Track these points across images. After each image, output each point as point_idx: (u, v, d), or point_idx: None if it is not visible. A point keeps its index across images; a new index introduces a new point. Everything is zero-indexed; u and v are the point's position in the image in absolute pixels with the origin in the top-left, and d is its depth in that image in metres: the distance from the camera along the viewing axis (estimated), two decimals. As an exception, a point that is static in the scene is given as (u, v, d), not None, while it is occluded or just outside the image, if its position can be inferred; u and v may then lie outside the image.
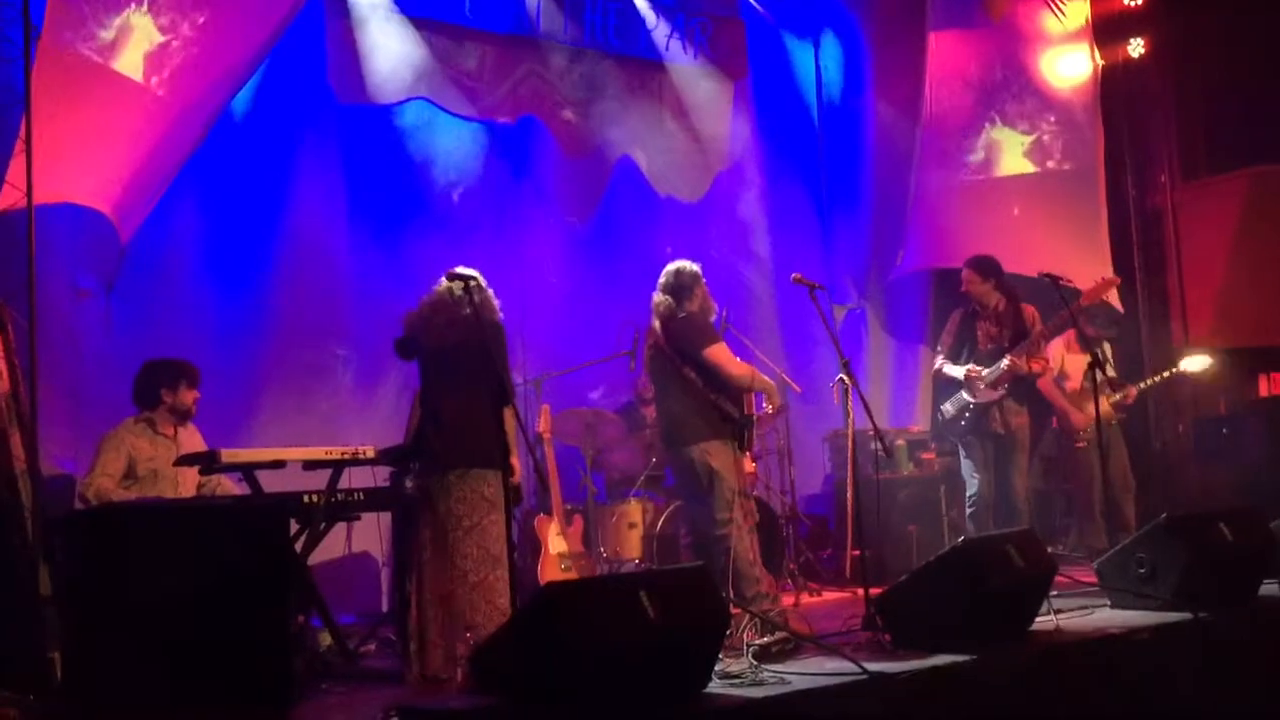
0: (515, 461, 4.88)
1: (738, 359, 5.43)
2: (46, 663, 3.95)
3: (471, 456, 4.62)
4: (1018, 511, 6.70)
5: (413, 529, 4.75)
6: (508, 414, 4.51)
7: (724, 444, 5.33)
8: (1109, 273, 8.38)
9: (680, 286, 5.49)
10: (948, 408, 6.93)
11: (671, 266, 5.57)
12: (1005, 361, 6.65)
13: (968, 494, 6.89)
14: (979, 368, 6.73)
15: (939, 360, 6.99)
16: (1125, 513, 7.38)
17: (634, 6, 8.45)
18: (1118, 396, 7.49)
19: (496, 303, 4.90)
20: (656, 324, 5.52)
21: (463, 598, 4.53)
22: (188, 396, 5.50)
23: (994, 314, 6.82)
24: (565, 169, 8.24)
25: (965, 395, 6.80)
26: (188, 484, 5.46)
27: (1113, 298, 8.40)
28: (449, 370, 4.74)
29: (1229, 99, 9.47)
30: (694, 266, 5.57)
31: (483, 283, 4.84)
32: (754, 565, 5.25)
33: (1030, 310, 6.86)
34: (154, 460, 5.36)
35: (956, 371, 6.80)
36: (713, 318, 5.64)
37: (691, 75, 8.79)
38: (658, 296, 5.54)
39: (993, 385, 6.71)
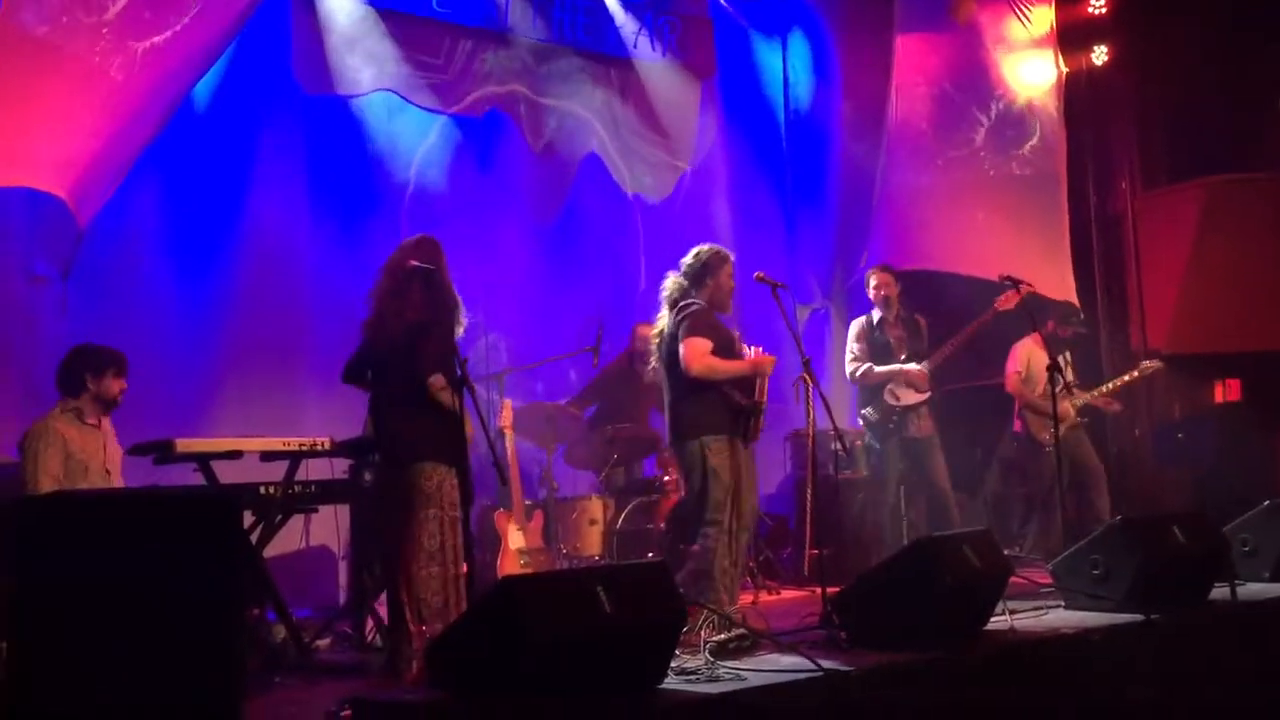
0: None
1: (709, 356, 5.20)
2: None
3: (408, 449, 4.55)
4: (949, 509, 6.93)
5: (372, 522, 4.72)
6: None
7: (723, 439, 5.20)
8: (1069, 277, 8.51)
9: (697, 271, 5.34)
10: (869, 412, 7.11)
11: (696, 249, 5.43)
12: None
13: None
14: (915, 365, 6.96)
15: (860, 367, 7.09)
16: (1098, 506, 7.40)
17: (602, 4, 8.43)
18: (1104, 388, 7.59)
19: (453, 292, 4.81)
20: (665, 309, 5.41)
21: (400, 592, 4.49)
22: (114, 385, 5.16)
23: (898, 319, 7.11)
24: (531, 164, 8.22)
25: (889, 400, 6.99)
26: (119, 476, 5.23)
27: (1074, 298, 8.48)
28: (389, 362, 4.66)
29: (1189, 109, 9.60)
30: (719, 250, 5.41)
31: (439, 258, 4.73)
32: (724, 574, 5.16)
33: (920, 318, 7.22)
34: (84, 451, 5.08)
35: (900, 368, 6.97)
36: (726, 310, 5.45)
37: (659, 73, 8.79)
38: (671, 279, 5.42)
39: (921, 386, 6.94)
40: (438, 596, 4.44)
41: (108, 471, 5.19)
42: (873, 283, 7.19)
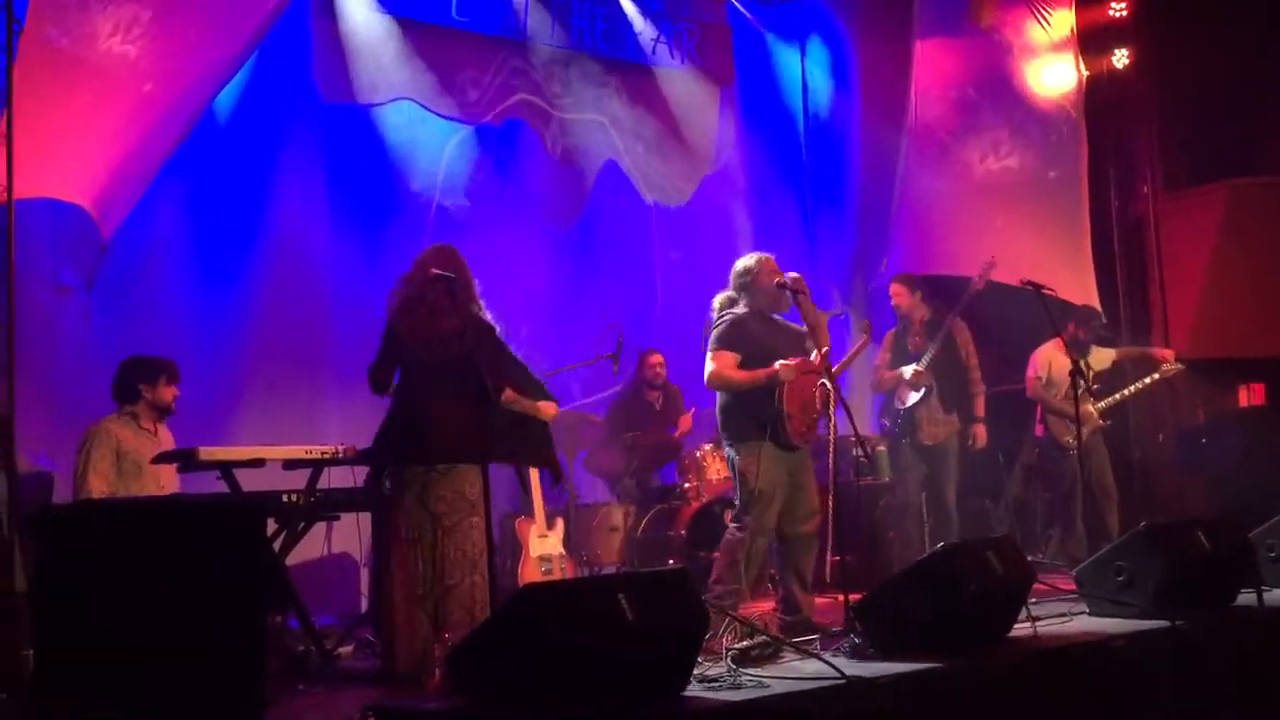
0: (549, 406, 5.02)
1: (724, 370, 5.30)
2: (19, 660, 3.93)
3: (454, 453, 4.57)
4: (950, 519, 6.98)
5: (390, 525, 4.70)
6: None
7: (752, 445, 5.28)
8: (1090, 282, 8.46)
9: (741, 280, 5.46)
10: (885, 419, 7.28)
11: (737, 262, 5.56)
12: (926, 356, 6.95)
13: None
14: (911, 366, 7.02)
15: (876, 375, 7.28)
16: (1108, 522, 7.42)
17: (621, 11, 8.45)
18: (1126, 391, 7.55)
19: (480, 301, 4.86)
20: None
21: (439, 599, 4.51)
22: (167, 392, 5.48)
23: (920, 326, 7.14)
24: (550, 172, 8.23)
25: (896, 403, 7.11)
26: (169, 482, 5.39)
27: (1096, 302, 8.44)
28: (430, 364, 4.67)
29: (1211, 111, 9.53)
30: (754, 255, 5.50)
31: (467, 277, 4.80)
32: (744, 572, 5.21)
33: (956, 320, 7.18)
34: (138, 453, 5.30)
35: (899, 371, 7.06)
36: (779, 310, 5.48)
37: (678, 80, 8.80)
38: (719, 295, 5.55)
39: (914, 384, 6.97)
40: (479, 604, 4.47)
41: (160, 475, 5.33)
42: (890, 292, 7.32)
